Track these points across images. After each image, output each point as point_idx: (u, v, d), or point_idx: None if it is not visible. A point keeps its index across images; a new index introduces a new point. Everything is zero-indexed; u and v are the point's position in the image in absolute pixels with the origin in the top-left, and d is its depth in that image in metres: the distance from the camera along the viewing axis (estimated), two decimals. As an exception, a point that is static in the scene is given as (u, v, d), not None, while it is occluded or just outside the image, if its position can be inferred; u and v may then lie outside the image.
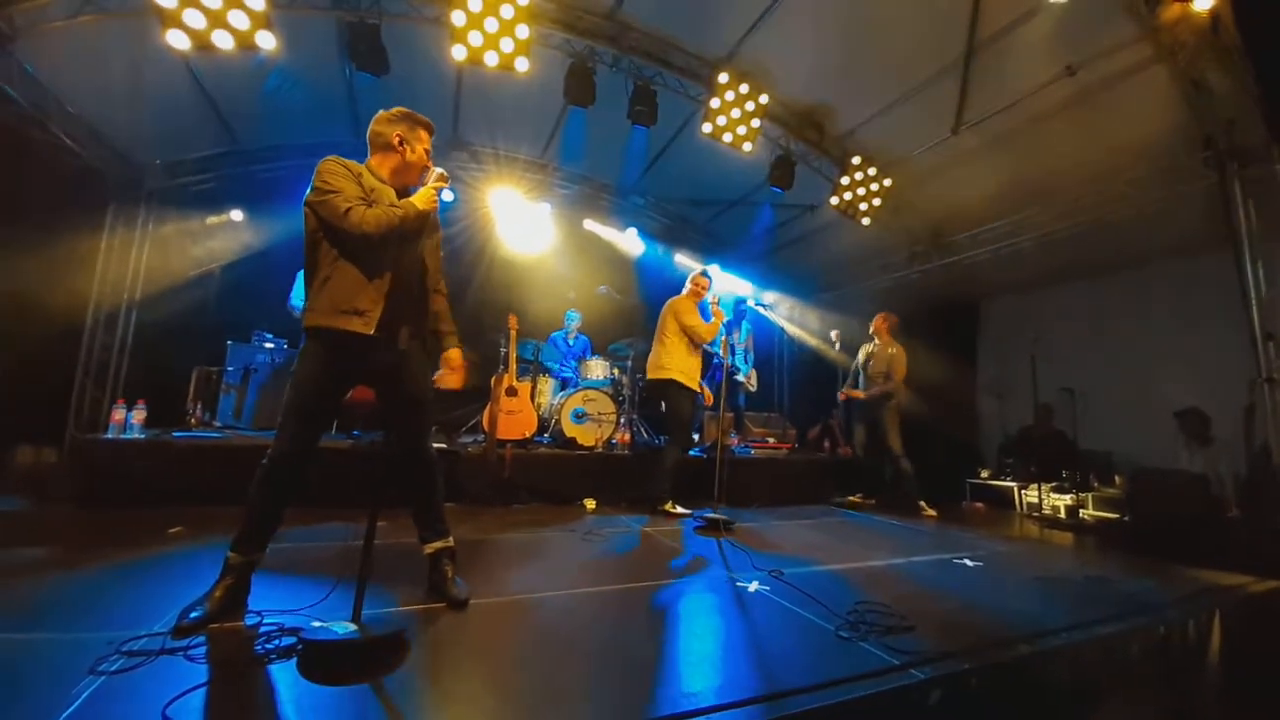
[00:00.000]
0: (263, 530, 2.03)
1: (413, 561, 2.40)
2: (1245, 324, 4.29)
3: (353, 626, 1.70)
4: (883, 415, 5.42)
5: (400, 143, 2.22)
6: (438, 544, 2.29)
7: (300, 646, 1.67)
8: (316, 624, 1.74)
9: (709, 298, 4.63)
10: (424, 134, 2.28)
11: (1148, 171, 5.03)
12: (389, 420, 2.29)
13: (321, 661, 1.62)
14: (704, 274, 4.77)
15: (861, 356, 5.79)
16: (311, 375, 2.07)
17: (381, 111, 2.27)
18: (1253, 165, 4.36)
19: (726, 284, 8.43)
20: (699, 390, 4.72)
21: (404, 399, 2.22)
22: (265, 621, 1.86)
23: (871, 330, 5.78)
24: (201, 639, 1.72)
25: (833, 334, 6.45)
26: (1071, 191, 5.60)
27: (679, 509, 4.31)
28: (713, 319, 4.59)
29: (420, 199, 2.13)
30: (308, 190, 2.06)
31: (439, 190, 2.18)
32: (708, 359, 4.94)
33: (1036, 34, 4.38)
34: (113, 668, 1.53)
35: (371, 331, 2.03)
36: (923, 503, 5.17)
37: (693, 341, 4.55)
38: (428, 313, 2.32)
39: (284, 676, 1.57)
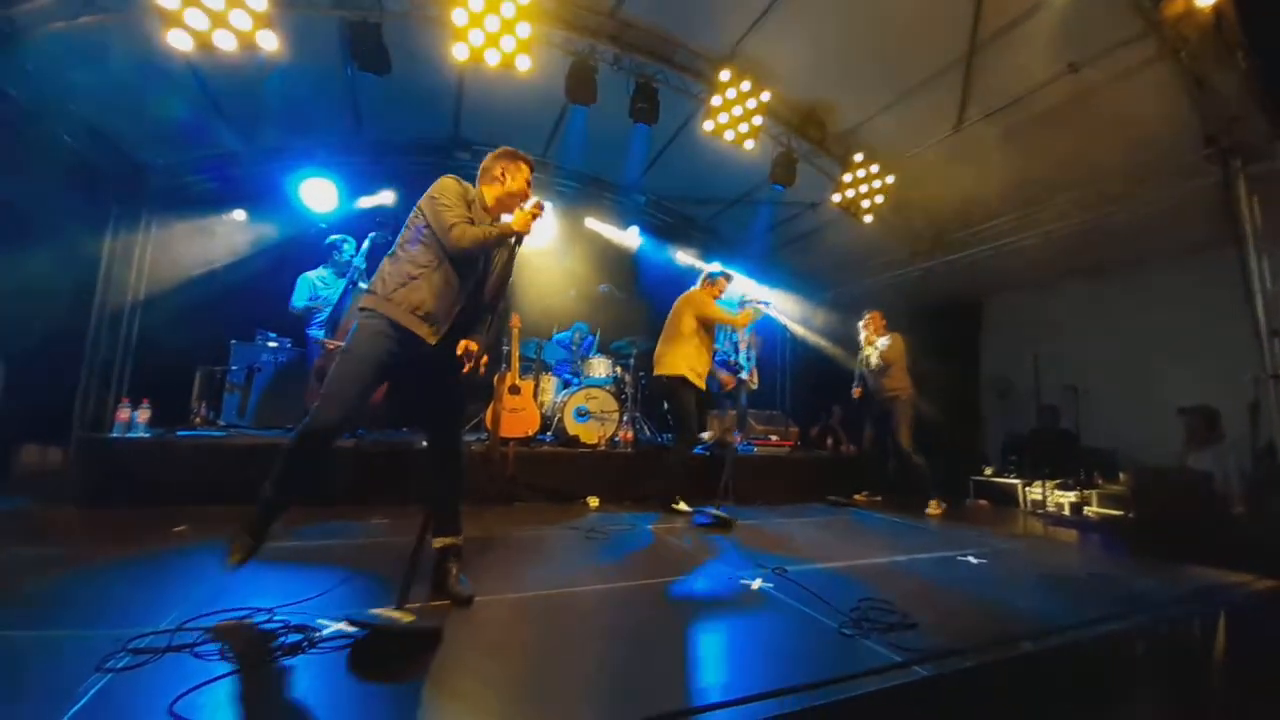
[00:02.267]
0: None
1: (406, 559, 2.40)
2: (1250, 321, 4.28)
3: (411, 616, 1.81)
4: (894, 411, 5.37)
5: (502, 174, 2.50)
6: (447, 540, 2.34)
7: (363, 632, 1.76)
8: (376, 611, 1.82)
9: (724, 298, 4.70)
10: (524, 167, 2.54)
11: (1152, 168, 5.01)
12: (428, 418, 2.43)
13: (384, 647, 1.73)
14: (725, 276, 4.80)
15: (863, 358, 5.76)
16: (370, 355, 2.18)
17: (494, 150, 2.59)
18: (1256, 162, 4.34)
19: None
20: (703, 383, 4.65)
21: (447, 398, 2.40)
22: (275, 618, 1.88)
23: (862, 330, 5.81)
24: (208, 636, 1.73)
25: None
26: (1075, 188, 5.58)
27: (684, 506, 4.32)
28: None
29: (515, 221, 2.32)
30: (426, 195, 2.35)
31: (535, 216, 2.35)
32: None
33: (1039, 31, 4.36)
34: (119, 665, 1.54)
35: (434, 343, 2.24)
36: (933, 502, 5.08)
37: (705, 339, 4.54)
38: (482, 323, 2.48)
39: (292, 672, 1.57)
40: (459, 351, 2.31)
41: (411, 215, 2.36)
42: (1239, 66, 4.06)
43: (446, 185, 2.35)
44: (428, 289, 2.23)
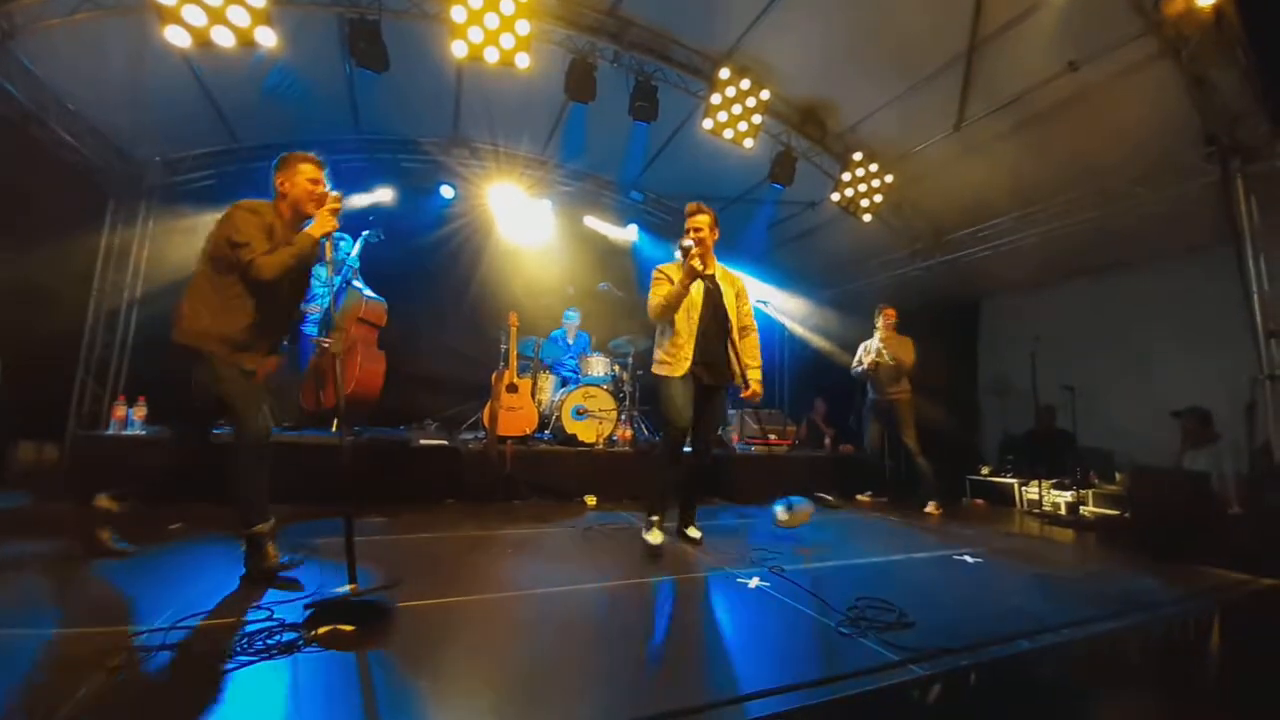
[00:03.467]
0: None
1: (405, 557, 2.40)
2: (1247, 321, 4.28)
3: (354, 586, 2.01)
4: (899, 412, 5.33)
5: (282, 183, 2.52)
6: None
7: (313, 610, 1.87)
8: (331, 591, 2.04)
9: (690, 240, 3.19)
10: (302, 167, 2.53)
11: (1151, 168, 5.01)
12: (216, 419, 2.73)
13: (330, 617, 1.85)
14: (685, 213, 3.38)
15: (869, 355, 5.57)
16: (241, 381, 2.42)
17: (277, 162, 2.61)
18: (1256, 161, 4.34)
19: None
20: (667, 369, 3.27)
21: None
22: (272, 617, 1.88)
23: (879, 324, 5.64)
24: (204, 634, 1.72)
25: None
26: (1074, 188, 5.58)
27: (655, 536, 3.19)
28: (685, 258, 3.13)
29: (314, 227, 2.43)
30: (219, 229, 2.40)
31: (334, 211, 2.46)
32: (717, 336, 3.32)
33: (1039, 29, 4.36)
34: (115, 662, 1.53)
35: (253, 367, 2.42)
36: (933, 504, 5.04)
37: (675, 320, 3.27)
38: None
39: (287, 670, 1.57)
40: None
41: (212, 243, 2.41)
42: (1239, 65, 4.06)
43: (240, 218, 2.36)
44: (240, 319, 2.37)
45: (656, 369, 3.35)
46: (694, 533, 3.46)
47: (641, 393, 6.07)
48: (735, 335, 3.32)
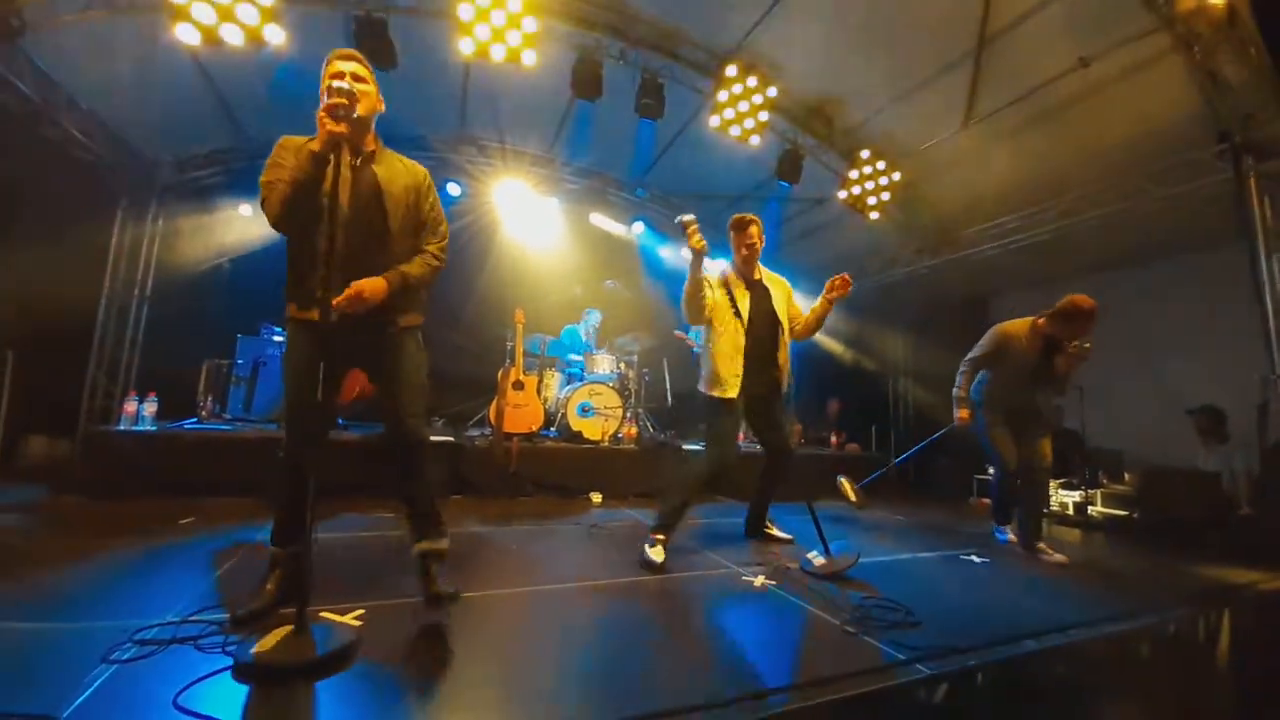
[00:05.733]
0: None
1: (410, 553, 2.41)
2: (1259, 320, 4.24)
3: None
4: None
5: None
6: (423, 544, 2.12)
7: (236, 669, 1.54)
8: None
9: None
10: (329, 63, 1.98)
11: (1162, 165, 4.96)
12: (379, 402, 2.15)
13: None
14: (733, 226, 3.21)
15: (1034, 354, 3.96)
16: (289, 362, 2.01)
17: None
18: (1269, 160, 4.29)
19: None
20: (720, 389, 3.03)
21: (385, 378, 2.12)
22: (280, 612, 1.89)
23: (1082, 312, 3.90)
24: (213, 628, 1.74)
25: None
26: (1084, 185, 5.53)
27: (658, 553, 2.86)
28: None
29: (315, 139, 1.80)
30: None
31: (330, 109, 1.73)
32: (771, 345, 3.18)
33: (1049, 25, 4.32)
34: (125, 656, 1.55)
35: (317, 317, 1.79)
36: (1044, 543, 3.61)
37: (714, 327, 3.12)
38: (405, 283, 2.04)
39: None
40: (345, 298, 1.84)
41: None
42: (1252, 62, 4.01)
43: (274, 152, 1.93)
44: (299, 265, 1.95)
45: (706, 389, 3.10)
46: (783, 534, 3.66)
47: (647, 390, 6.06)
48: (787, 337, 3.20)
